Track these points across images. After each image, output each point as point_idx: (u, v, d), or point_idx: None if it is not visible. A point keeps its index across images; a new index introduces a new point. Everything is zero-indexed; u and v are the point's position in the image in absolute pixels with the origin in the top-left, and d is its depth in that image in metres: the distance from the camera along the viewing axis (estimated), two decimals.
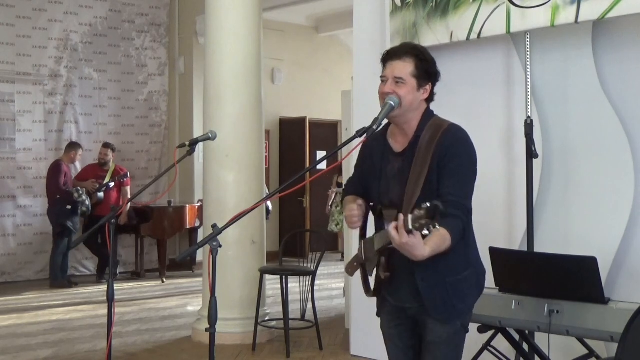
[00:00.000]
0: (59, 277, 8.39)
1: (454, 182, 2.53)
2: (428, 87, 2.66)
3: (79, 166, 9.20)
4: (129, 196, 8.52)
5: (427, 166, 2.55)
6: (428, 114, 2.68)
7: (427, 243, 2.37)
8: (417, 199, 2.54)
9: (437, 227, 2.19)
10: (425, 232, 2.22)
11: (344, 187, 2.99)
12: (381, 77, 2.67)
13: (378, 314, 2.86)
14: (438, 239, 2.42)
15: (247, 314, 5.65)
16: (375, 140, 2.72)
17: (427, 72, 2.64)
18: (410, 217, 2.24)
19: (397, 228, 2.29)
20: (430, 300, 2.60)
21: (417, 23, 4.72)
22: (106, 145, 8.93)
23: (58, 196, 8.38)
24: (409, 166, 2.60)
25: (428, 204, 2.17)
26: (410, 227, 2.23)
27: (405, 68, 2.61)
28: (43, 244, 8.90)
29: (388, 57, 2.68)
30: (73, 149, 8.68)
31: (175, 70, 10.30)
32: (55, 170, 8.48)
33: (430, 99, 2.70)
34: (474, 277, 2.67)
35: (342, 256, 10.69)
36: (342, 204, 2.93)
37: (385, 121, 2.66)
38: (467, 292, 2.66)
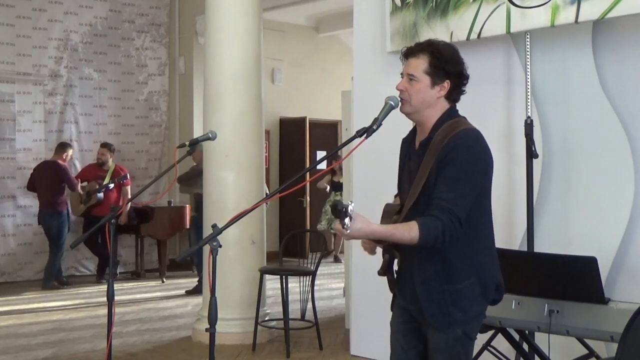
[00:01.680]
0: (53, 279, 8.39)
1: (446, 186, 2.47)
2: (446, 85, 2.60)
3: (79, 165, 9.22)
4: (129, 196, 8.51)
5: (429, 168, 2.52)
6: (449, 114, 2.63)
7: (385, 225, 2.46)
8: (416, 199, 2.54)
9: (347, 223, 2.27)
10: (347, 231, 2.30)
11: None
12: (401, 73, 2.67)
13: (392, 308, 2.83)
14: (402, 226, 2.44)
15: (247, 314, 5.65)
16: (410, 135, 2.77)
17: (443, 69, 2.59)
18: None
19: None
20: (427, 305, 2.56)
21: (417, 23, 4.72)
22: (104, 145, 8.91)
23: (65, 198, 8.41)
24: (419, 165, 2.59)
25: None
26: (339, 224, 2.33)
27: (418, 65, 2.60)
28: (43, 244, 8.88)
29: (406, 53, 2.67)
30: (65, 150, 8.56)
31: (175, 70, 10.30)
32: (63, 171, 8.39)
33: (451, 97, 2.64)
34: (477, 288, 2.57)
35: (335, 258, 10.69)
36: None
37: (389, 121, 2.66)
38: (467, 302, 2.56)
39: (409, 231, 2.40)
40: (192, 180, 7.88)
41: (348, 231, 2.29)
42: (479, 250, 2.61)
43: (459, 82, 2.64)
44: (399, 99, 2.62)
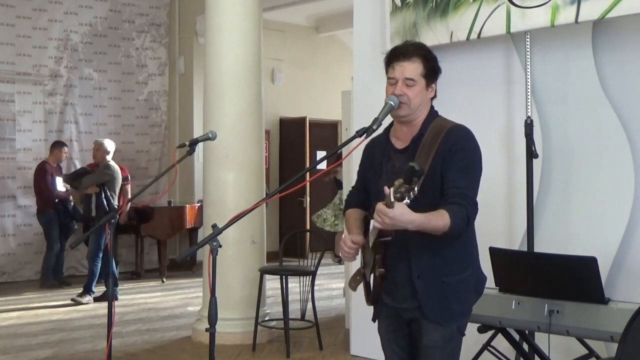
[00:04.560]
0: (50, 277, 8.43)
1: (458, 175, 2.51)
2: (434, 86, 2.66)
3: (79, 165, 9.22)
4: (129, 196, 8.52)
5: (428, 163, 2.52)
6: (433, 113, 2.68)
7: (420, 214, 2.35)
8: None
9: (416, 190, 2.18)
10: (407, 200, 2.21)
11: (346, 196, 2.95)
12: (389, 78, 2.63)
13: (374, 319, 2.82)
14: (434, 214, 2.40)
15: (247, 314, 5.65)
16: (377, 140, 2.73)
17: (434, 70, 2.64)
18: (391, 189, 2.23)
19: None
20: (426, 300, 2.56)
21: (417, 23, 4.72)
22: None
23: (53, 198, 8.43)
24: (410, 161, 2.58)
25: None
26: (392, 199, 2.22)
27: (415, 69, 2.60)
28: (43, 244, 8.88)
29: (395, 57, 2.63)
30: (57, 147, 8.60)
31: (175, 70, 10.31)
32: (40, 172, 8.47)
33: (434, 96, 2.70)
34: (472, 280, 2.63)
35: (338, 259, 10.65)
36: (343, 215, 2.91)
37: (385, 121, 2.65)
38: (464, 294, 2.61)
39: (442, 219, 2.41)
40: (77, 181, 7.79)
41: (393, 212, 2.23)
42: (470, 243, 2.65)
43: (436, 81, 2.71)
44: (398, 102, 2.61)
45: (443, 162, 2.53)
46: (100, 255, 7.51)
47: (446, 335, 2.59)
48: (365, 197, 2.79)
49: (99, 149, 7.67)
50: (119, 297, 7.57)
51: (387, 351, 2.80)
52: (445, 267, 2.56)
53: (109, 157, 7.66)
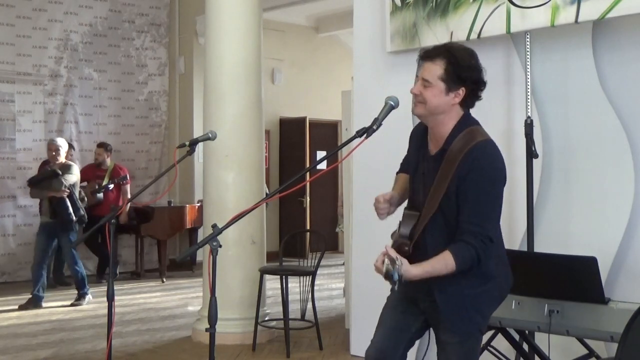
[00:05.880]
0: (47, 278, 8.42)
1: (472, 209, 2.50)
2: (461, 92, 2.57)
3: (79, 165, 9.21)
4: (129, 195, 8.52)
5: (447, 181, 2.52)
6: (464, 121, 2.62)
7: (422, 264, 2.47)
8: (434, 213, 2.54)
9: (399, 268, 2.37)
10: (396, 277, 2.39)
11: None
12: (416, 75, 2.66)
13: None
14: (436, 262, 2.47)
15: (247, 314, 5.65)
16: (420, 130, 2.75)
17: (459, 76, 2.55)
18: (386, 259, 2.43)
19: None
20: (447, 311, 2.58)
21: (417, 23, 4.72)
22: (100, 145, 8.89)
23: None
24: (434, 174, 2.58)
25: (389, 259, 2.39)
26: (384, 269, 2.41)
27: (433, 70, 2.57)
28: None
29: (423, 56, 2.64)
30: None
31: (175, 70, 10.31)
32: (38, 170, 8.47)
33: (466, 103, 2.62)
34: (495, 289, 2.65)
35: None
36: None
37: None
38: (486, 307, 2.66)
39: (445, 265, 2.47)
40: (47, 182, 7.51)
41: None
42: (495, 255, 2.63)
43: (475, 88, 2.62)
44: (413, 101, 2.62)
45: (458, 189, 2.51)
46: (76, 254, 7.53)
47: (463, 335, 2.62)
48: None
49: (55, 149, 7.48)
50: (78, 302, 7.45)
51: (383, 316, 2.87)
52: (467, 281, 2.57)
53: (62, 158, 7.46)
